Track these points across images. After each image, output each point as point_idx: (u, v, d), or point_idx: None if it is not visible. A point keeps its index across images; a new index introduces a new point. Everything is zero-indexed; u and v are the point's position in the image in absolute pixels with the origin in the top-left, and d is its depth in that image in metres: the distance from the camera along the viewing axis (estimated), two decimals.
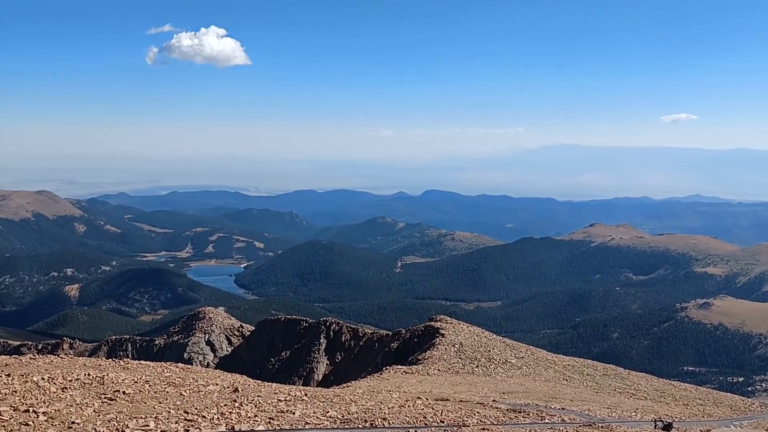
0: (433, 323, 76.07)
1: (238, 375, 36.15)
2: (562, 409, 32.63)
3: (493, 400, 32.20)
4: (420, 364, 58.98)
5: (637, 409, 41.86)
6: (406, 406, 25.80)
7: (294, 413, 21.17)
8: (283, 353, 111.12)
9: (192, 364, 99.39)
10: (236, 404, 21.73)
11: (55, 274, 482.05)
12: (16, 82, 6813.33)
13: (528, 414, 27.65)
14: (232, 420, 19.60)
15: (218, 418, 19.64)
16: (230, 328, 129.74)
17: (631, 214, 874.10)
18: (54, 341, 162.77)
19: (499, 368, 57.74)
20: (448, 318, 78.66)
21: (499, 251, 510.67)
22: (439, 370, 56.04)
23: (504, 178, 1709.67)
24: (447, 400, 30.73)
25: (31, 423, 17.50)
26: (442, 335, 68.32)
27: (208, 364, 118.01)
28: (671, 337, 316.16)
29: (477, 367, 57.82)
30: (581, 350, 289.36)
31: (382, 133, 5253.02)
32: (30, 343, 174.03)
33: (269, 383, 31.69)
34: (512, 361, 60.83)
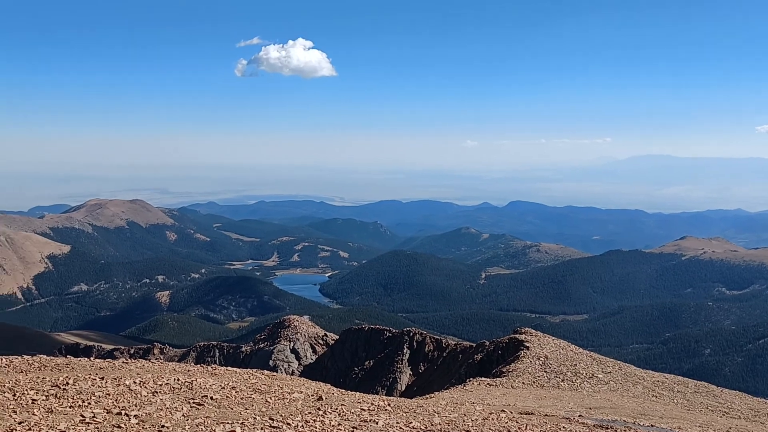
0: (517, 335, 75.05)
1: (322, 383, 36.45)
2: (651, 426, 31.77)
3: (579, 416, 31.55)
4: (504, 376, 58.24)
5: (729, 428, 40.40)
6: (490, 419, 25.51)
7: (377, 423, 21.20)
8: (366, 363, 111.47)
9: (277, 372, 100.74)
10: (320, 412, 21.90)
11: (147, 280, 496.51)
12: (114, 96, 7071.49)
13: (615, 430, 26.99)
14: (315, 428, 19.76)
15: (302, 425, 19.83)
16: (315, 337, 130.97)
17: (725, 227, 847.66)
18: (145, 346, 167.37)
19: (585, 383, 56.53)
20: (533, 330, 77.50)
21: (585, 263, 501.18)
22: (523, 383, 55.23)
23: (591, 189, 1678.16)
24: (532, 414, 30.27)
25: (123, 426, 18.02)
26: (527, 348, 67.30)
27: (292, 371, 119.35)
28: (767, 354, 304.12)
29: (563, 381, 56.73)
30: (671, 366, 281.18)
31: (467, 144, 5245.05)
32: (123, 347, 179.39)
33: (353, 392, 31.83)
34: (599, 375, 59.47)
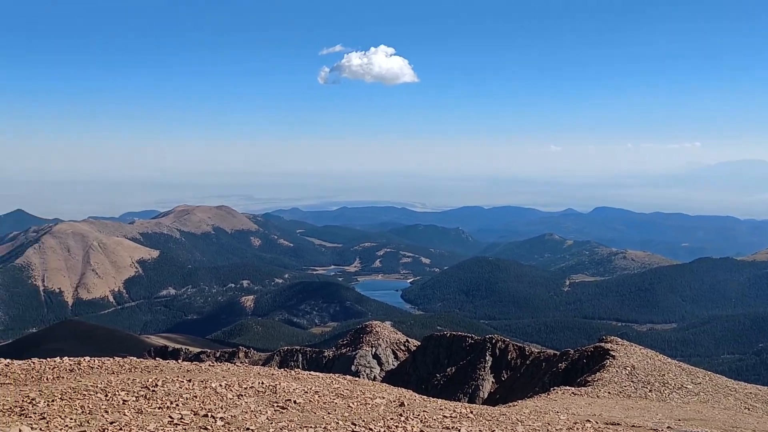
0: (603, 344, 73.53)
1: (404, 389, 36.44)
2: None
3: (668, 427, 30.66)
4: (589, 385, 57.14)
5: None
6: (575, 428, 25.03)
7: (459, 430, 21.06)
8: (448, 369, 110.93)
9: (359, 377, 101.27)
10: (402, 418, 21.88)
11: (233, 285, 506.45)
12: (203, 105, 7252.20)
13: None
14: None
15: (384, 430, 19.85)
16: (396, 343, 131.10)
17: None
18: (231, 349, 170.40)
19: (674, 393, 54.97)
20: (619, 339, 75.78)
21: (674, 271, 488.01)
22: (609, 392, 54.06)
23: (679, 195, 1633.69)
24: (618, 424, 29.58)
25: (209, 427, 18.37)
26: (613, 357, 65.83)
27: (374, 377, 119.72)
28: None
29: (650, 391, 55.30)
30: (765, 378, 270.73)
31: (551, 149, 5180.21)
32: (209, 350, 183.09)
33: (434, 399, 31.73)
34: (689, 386, 57.73)
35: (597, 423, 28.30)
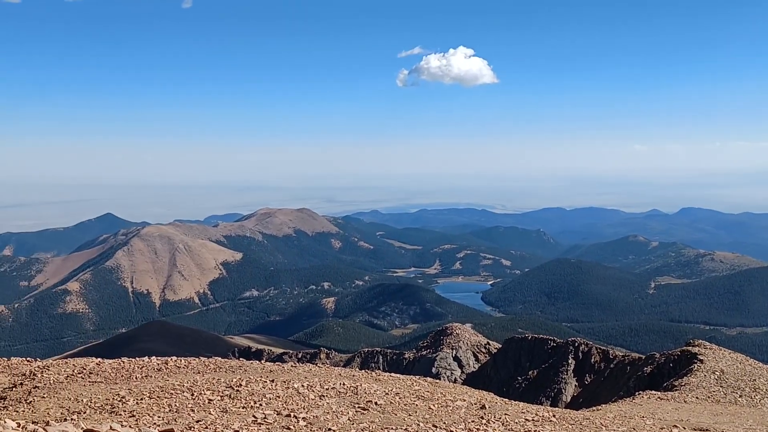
0: (690, 348, 71.58)
1: (485, 392, 36.21)
2: None
3: None
4: (676, 390, 55.70)
5: None
6: None
7: None
8: (530, 372, 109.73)
9: (440, 379, 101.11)
10: (483, 421, 21.73)
11: (314, 287, 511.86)
12: (285, 110, 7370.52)
13: None
14: None
15: None
16: (477, 345, 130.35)
17: None
18: (312, 351, 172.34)
19: (765, 399, 53.14)
20: (707, 343, 73.63)
21: (765, 273, 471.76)
22: (697, 398, 52.57)
23: None
24: (707, 430, 28.75)
25: (292, 427, 18.62)
26: (701, 361, 64.00)
27: (455, 379, 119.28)
28: None
29: (740, 397, 53.57)
30: None
31: (635, 149, 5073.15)
32: (291, 351, 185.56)
33: (516, 402, 31.43)
34: None
35: (684, 429, 27.58)
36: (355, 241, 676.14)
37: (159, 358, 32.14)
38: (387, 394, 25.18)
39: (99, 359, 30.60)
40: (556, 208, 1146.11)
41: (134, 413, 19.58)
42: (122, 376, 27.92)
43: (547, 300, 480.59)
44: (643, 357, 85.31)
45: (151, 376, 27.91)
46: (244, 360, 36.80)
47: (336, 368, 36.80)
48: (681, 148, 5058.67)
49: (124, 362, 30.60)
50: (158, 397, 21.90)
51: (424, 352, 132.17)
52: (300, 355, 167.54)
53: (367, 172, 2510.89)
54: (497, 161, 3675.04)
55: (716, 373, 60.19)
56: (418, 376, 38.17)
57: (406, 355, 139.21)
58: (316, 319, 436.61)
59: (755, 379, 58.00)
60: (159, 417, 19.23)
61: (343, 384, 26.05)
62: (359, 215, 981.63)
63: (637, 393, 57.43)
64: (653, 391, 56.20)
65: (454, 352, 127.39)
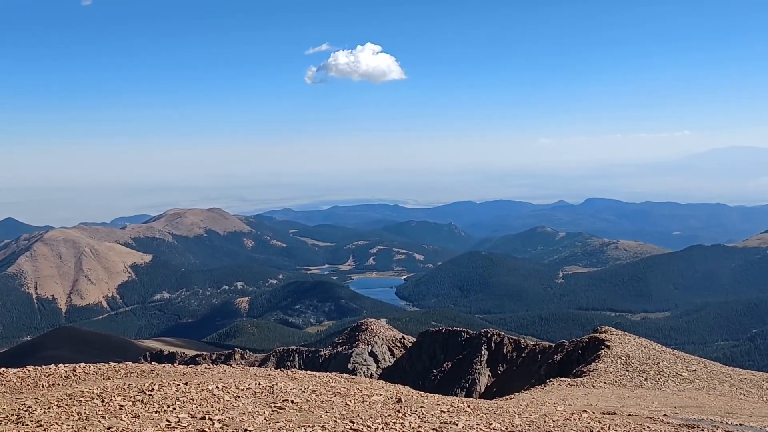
0: (597, 335, 73.75)
1: (401, 386, 36.48)
2: (740, 425, 30.73)
3: (664, 415, 30.77)
4: (585, 376, 57.30)
5: None
6: (572, 419, 25.11)
7: (457, 424, 21.10)
8: (444, 364, 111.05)
9: (356, 375, 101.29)
10: (400, 414, 21.92)
11: (227, 287, 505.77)
12: (190, 109, 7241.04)
13: (702, 429, 26.21)
14: (396, 430, 19.78)
15: (383, 427, 19.88)
16: (392, 340, 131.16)
17: None
18: (227, 352, 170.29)
19: (669, 381, 55.18)
20: (614, 329, 76.00)
21: (666, 260, 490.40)
22: (605, 383, 54.24)
23: (670, 185, 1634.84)
24: (615, 414, 29.69)
25: (207, 429, 18.39)
26: (608, 347, 66.08)
27: (371, 374, 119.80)
28: None
29: (645, 380, 55.52)
30: (759, 363, 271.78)
31: (541, 142, 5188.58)
32: (205, 353, 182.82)
33: (432, 394, 31.78)
34: (683, 374, 57.99)
35: (594, 413, 28.42)
36: (268, 239, 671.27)
37: (67, 365, 31.19)
38: (303, 392, 25.13)
39: (3, 369, 29.49)
40: (466, 201, 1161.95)
41: (42, 423, 18.98)
42: (28, 385, 26.99)
43: (460, 293, 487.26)
44: (553, 345, 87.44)
45: (58, 384, 27.08)
46: (156, 364, 36.09)
47: (251, 368, 36.47)
48: (585, 141, 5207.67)
49: (29, 371, 29.57)
50: (67, 405, 21.27)
51: (340, 349, 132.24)
52: (214, 357, 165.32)
53: (278, 170, 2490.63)
54: (408, 156, 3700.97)
55: (622, 358, 62.18)
56: (334, 373, 38.20)
57: (322, 353, 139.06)
58: (229, 319, 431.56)
59: (659, 363, 60.16)
60: (68, 426, 18.68)
61: (259, 384, 25.86)
62: (271, 213, 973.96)
63: (548, 380, 58.82)
64: (563, 378, 57.69)
65: (370, 347, 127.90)
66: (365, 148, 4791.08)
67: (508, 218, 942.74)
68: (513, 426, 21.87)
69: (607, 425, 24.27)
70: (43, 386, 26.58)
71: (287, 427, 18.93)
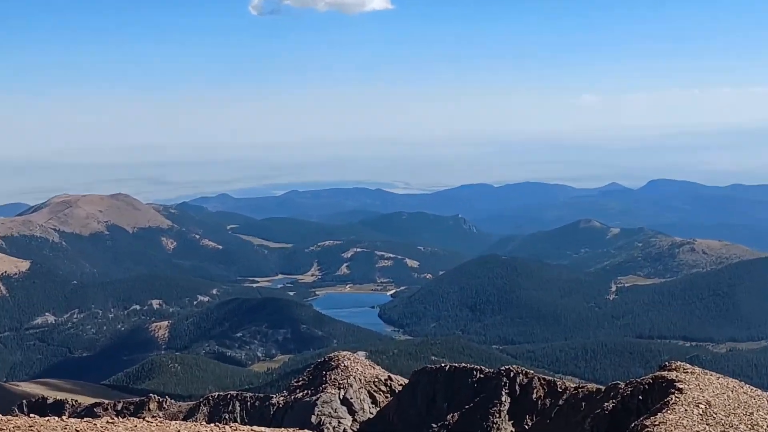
0: (665, 373, 74.07)
1: None
2: None
3: None
4: None
5: None
6: None
7: None
8: (449, 416, 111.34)
9: (323, 431, 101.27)
10: None
11: (137, 307, 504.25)
12: (90, 59, 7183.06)
13: None
14: None
15: None
16: (374, 382, 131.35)
17: None
18: (138, 399, 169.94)
19: None
20: (689, 366, 76.36)
21: (763, 267, 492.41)
22: None
23: None
24: None
25: None
26: (680, 391, 66.41)
27: (344, 430, 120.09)
28: None
29: None
30: None
31: (585, 101, 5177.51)
32: (106, 401, 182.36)
33: None
34: None
35: None
36: (197, 238, 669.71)
37: None
38: None
39: None
40: (479, 185, 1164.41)
41: None
42: None
43: (471, 314, 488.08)
44: (603, 388, 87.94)
45: None
46: (37, 417, 35.94)
47: (174, 423, 36.44)
48: (647, 99, 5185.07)
49: None
50: None
51: (300, 395, 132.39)
52: (120, 407, 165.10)
53: (211, 141, 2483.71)
54: (396, 121, 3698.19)
55: (701, 406, 62.51)
56: (292, 430, 38.26)
57: (274, 400, 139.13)
58: (142, 353, 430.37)
59: (752, 413, 60.49)
60: None
61: None
62: (201, 201, 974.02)
63: None
64: None
65: (342, 392, 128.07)
66: (335, 108, 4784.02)
67: (539, 208, 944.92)
68: None
69: None
70: None
71: None
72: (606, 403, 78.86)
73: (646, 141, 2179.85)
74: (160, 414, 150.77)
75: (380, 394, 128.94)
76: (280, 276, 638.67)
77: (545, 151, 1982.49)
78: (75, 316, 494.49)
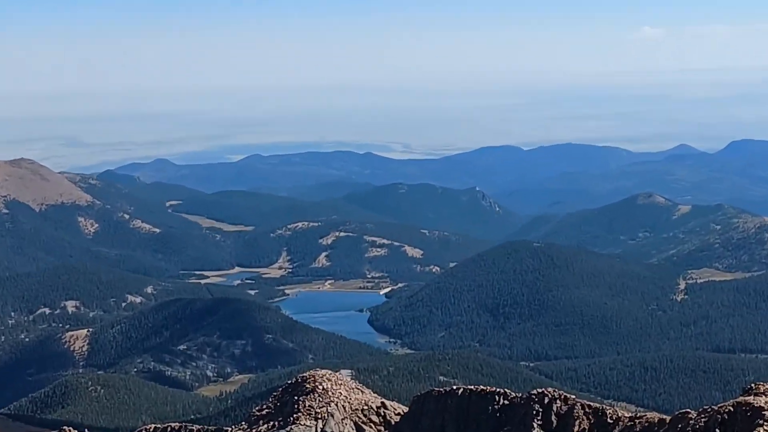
0: (751, 398, 74.50)
1: None
2: None
3: None
4: None
5: None
6: None
7: None
8: None
9: None
10: None
11: (47, 311, 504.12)
12: None
13: None
14: None
15: None
16: (363, 410, 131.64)
17: None
18: None
19: None
20: None
21: None
22: None
23: None
24: None
25: None
26: None
27: None
28: None
29: None
30: None
31: (645, 34, 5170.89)
32: None
33: None
34: None
35: None
36: (125, 219, 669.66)
37: None
38: None
39: None
40: (503, 147, 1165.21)
41: None
42: None
43: (491, 320, 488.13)
44: (668, 419, 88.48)
45: None
46: None
47: None
48: (726, 33, 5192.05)
49: None
50: None
51: (263, 428, 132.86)
52: None
53: (141, 87, 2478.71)
54: (391, 61, 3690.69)
55: None
56: None
57: None
58: (52, 371, 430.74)
59: None
60: None
61: None
62: (131, 169, 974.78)
63: None
64: None
65: (321, 424, 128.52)
66: (310, 44, 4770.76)
67: (582, 178, 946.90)
68: None
69: None
70: None
71: None
72: None
73: (726, 89, 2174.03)
74: None
75: (371, 427, 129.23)
76: (237, 269, 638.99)
77: (591, 103, 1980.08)
78: None
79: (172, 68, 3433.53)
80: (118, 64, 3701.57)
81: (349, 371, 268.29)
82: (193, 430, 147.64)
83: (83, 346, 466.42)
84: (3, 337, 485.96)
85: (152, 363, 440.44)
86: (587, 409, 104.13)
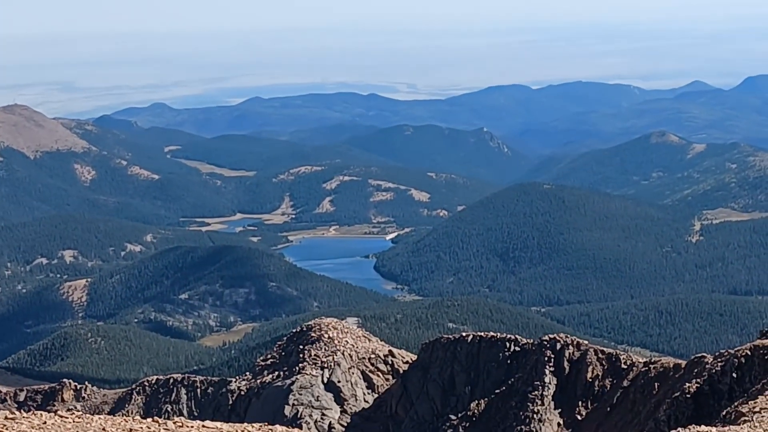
0: (767, 342, 74.54)
1: None
2: None
3: None
4: (745, 422, 57.91)
5: None
6: None
7: None
8: (472, 404, 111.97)
9: (300, 428, 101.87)
10: None
11: (44, 261, 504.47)
12: None
13: None
14: None
15: None
16: (370, 359, 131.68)
17: None
18: (47, 386, 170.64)
19: None
20: None
21: None
22: None
23: None
24: None
25: None
26: None
27: (329, 426, 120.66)
28: None
29: None
30: None
31: None
32: (4, 390, 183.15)
33: None
34: None
35: None
36: (123, 165, 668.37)
37: None
38: None
39: None
40: (511, 86, 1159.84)
41: None
42: None
43: (501, 265, 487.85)
44: (683, 364, 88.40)
45: None
46: None
47: (97, 417, 36.59)
48: None
49: None
50: None
51: (269, 378, 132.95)
52: (25, 396, 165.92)
53: (137, 28, 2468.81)
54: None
55: None
56: (257, 425, 38.36)
57: (234, 385, 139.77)
58: (51, 323, 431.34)
59: None
60: None
61: None
62: (128, 114, 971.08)
63: (674, 430, 59.39)
64: (703, 428, 58.21)
65: (327, 373, 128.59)
66: None
67: (594, 118, 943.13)
68: None
69: None
70: None
71: None
72: (688, 384, 78.87)
73: (742, 22, 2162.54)
74: (78, 406, 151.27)
75: (378, 376, 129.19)
76: (239, 216, 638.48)
77: (602, 39, 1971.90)
78: None
79: (168, 10, 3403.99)
80: (113, 7, 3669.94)
81: (356, 319, 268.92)
82: (196, 381, 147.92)
83: (82, 296, 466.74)
84: (1, 289, 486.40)
85: (153, 313, 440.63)
86: (600, 355, 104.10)
